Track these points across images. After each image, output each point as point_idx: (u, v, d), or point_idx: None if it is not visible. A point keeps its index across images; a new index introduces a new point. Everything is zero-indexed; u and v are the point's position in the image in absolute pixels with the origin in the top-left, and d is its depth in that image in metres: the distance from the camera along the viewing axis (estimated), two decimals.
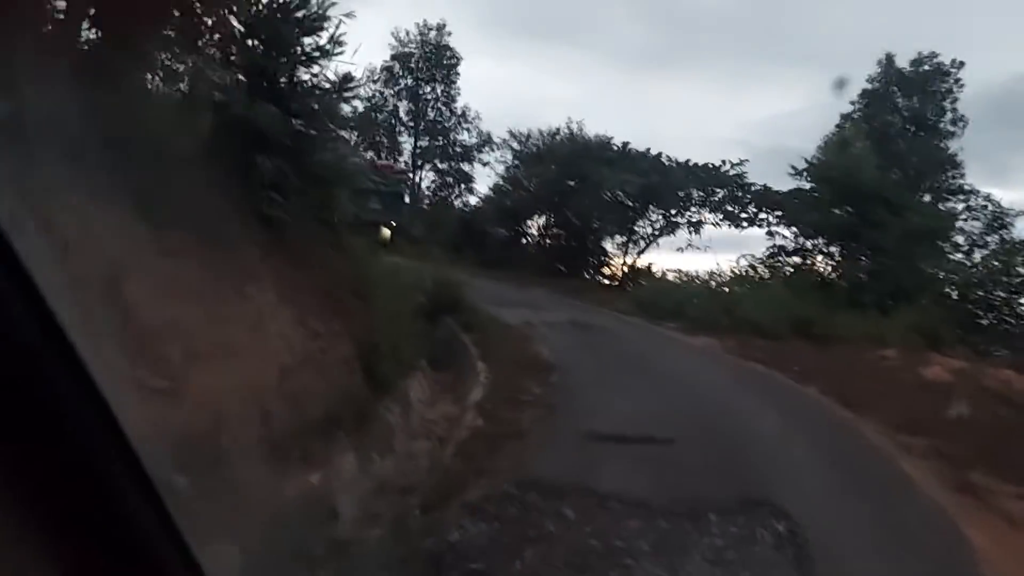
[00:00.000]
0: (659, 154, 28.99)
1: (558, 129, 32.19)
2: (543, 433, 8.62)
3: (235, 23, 10.31)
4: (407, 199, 39.77)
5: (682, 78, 51.47)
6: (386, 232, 18.32)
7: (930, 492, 7.49)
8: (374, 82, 41.25)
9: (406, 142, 41.36)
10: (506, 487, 6.57)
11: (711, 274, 25.22)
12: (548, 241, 32.51)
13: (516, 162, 34.29)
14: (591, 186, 27.87)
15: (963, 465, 8.18)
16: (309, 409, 7.89)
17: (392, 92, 41.29)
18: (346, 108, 11.41)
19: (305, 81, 11.12)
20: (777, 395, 11.62)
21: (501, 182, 34.49)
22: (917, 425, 9.84)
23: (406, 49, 41.05)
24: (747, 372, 13.57)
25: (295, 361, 8.29)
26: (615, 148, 29.47)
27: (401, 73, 41.23)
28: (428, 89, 41.32)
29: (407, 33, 40.86)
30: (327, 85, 11.15)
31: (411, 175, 39.63)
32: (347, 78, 11.25)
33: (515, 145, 34.80)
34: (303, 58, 11.03)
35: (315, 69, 11.17)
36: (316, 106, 11.16)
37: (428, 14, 47.74)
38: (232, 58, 10.27)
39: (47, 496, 0.78)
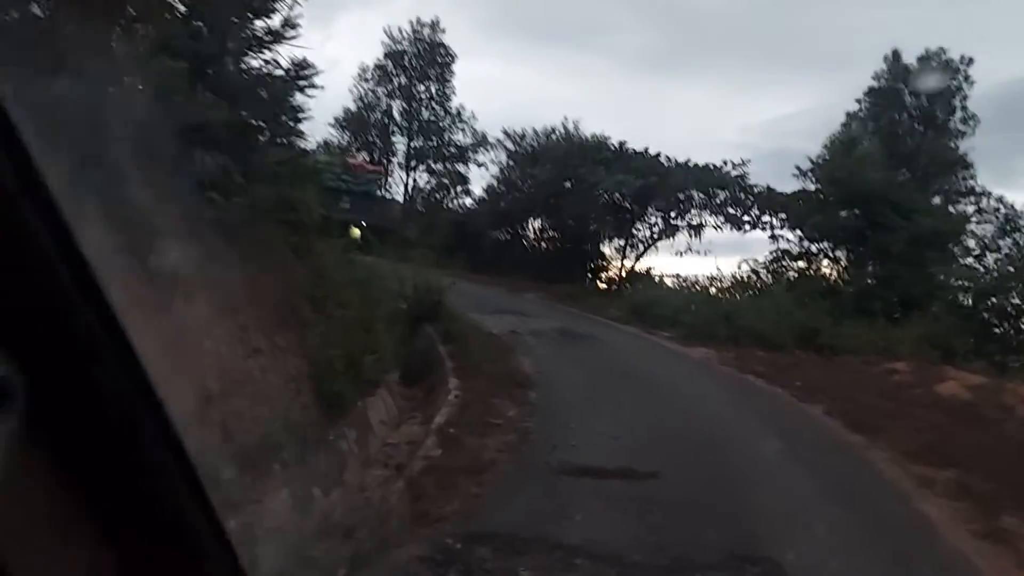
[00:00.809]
0: (657, 154, 27.93)
1: (553, 128, 31.17)
2: (509, 466, 7.55)
3: (175, 3, 9.32)
4: (398, 196, 39.09)
5: (685, 81, 50.57)
6: (356, 232, 17.45)
7: (955, 541, 6.39)
8: (367, 81, 40.41)
9: (400, 142, 40.37)
10: (450, 541, 5.49)
11: (711, 279, 24.17)
12: (543, 244, 31.47)
13: (511, 162, 33.25)
14: (586, 187, 26.79)
15: (991, 505, 7.08)
16: (238, 441, 6.86)
17: (385, 91, 40.33)
18: (302, 98, 10.36)
19: (255, 68, 10.12)
20: (778, 416, 10.53)
21: (495, 183, 33.49)
22: (934, 453, 8.74)
23: (399, 47, 40.10)
24: (746, 388, 12.48)
25: (225, 384, 7.25)
26: (612, 148, 28.37)
27: (394, 71, 40.25)
28: (422, 88, 40.34)
29: (400, 31, 39.95)
30: (279, 72, 10.16)
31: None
32: (302, 65, 10.24)
33: (509, 145, 33.78)
34: (253, 43, 10.02)
35: (267, 55, 10.21)
36: (266, 95, 10.16)
37: (429, 14, 46.72)
38: (172, 42, 9.18)
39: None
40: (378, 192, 27.92)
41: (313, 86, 10.15)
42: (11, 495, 0.63)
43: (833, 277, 22.95)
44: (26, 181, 0.63)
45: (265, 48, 9.91)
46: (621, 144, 28.29)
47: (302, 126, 10.89)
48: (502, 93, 52.22)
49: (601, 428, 9.03)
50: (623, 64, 49.44)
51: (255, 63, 9.91)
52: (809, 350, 16.40)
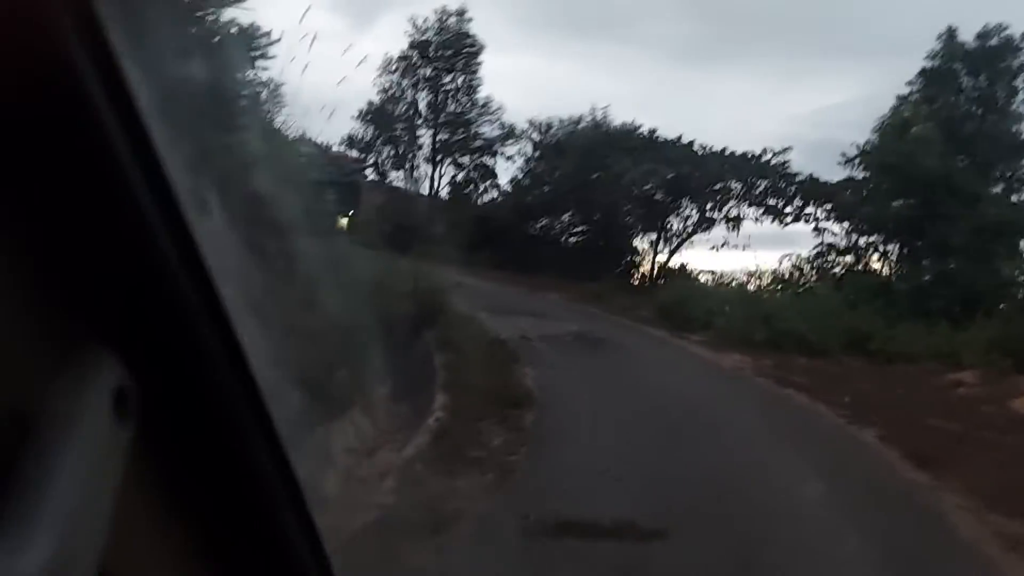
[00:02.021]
0: (691, 142, 26.02)
1: (580, 117, 29.39)
2: (474, 522, 5.96)
3: None
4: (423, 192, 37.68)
5: (728, 71, 48.20)
6: (343, 222, 16.32)
7: None
8: (392, 72, 39.02)
9: (425, 135, 38.91)
10: None
11: (749, 276, 22.27)
12: (571, 240, 29.78)
13: (537, 154, 31.56)
14: (614, 179, 25.04)
15: None
16: None
17: (410, 83, 38.89)
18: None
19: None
20: (822, 446, 8.77)
21: (520, 176, 31.85)
22: (1018, 495, 6.96)
23: (424, 37, 38.63)
24: (784, 407, 10.72)
25: None
26: (641, 136, 26.54)
27: (420, 62, 38.79)
28: (448, 79, 38.82)
29: (425, 20, 38.47)
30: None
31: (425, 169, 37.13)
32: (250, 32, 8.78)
33: (535, 136, 32.08)
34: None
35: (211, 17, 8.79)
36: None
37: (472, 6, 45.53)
38: None
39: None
40: (361, 184, 26.61)
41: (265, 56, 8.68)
42: (124, 507, 0.60)
43: (885, 273, 20.88)
44: (148, 172, 0.59)
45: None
46: (651, 132, 26.48)
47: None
48: (540, 88, 50.51)
49: (603, 463, 7.39)
50: (663, 55, 47.37)
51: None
52: (859, 357, 14.56)
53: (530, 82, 50.56)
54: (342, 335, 9.79)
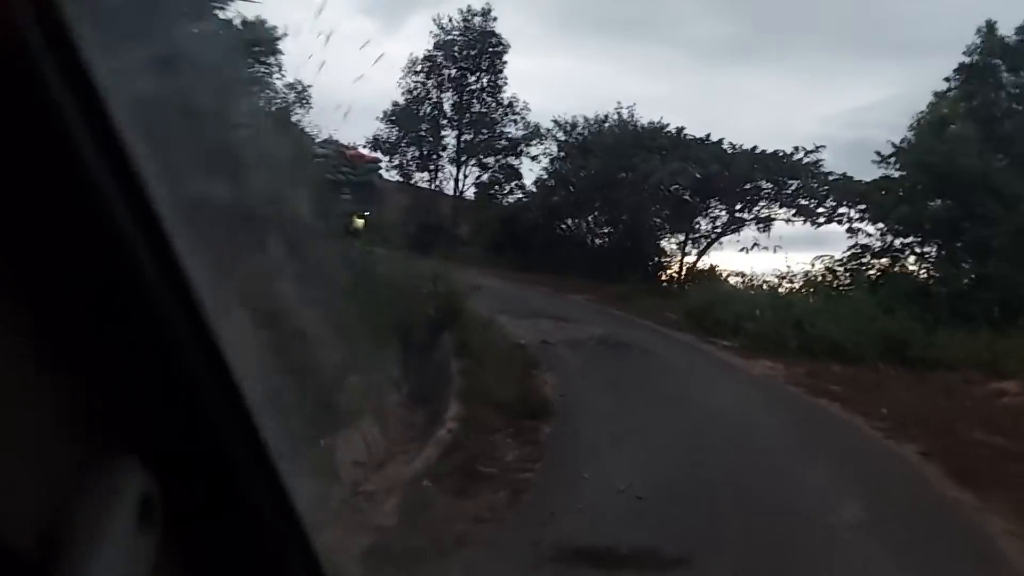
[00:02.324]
0: (719, 140, 25.37)
1: (606, 116, 28.84)
2: (481, 548, 5.53)
3: None
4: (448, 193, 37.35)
5: (761, 73, 47.40)
6: (359, 222, 16.15)
7: None
8: (416, 73, 38.74)
9: (450, 136, 38.60)
10: None
11: (780, 279, 21.61)
12: (597, 241, 29.27)
13: (562, 154, 31.07)
14: (640, 178, 24.49)
15: None
16: None
17: (435, 83, 38.58)
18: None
19: None
20: (858, 463, 8.22)
21: (545, 176, 31.39)
22: None
23: (449, 37, 38.33)
24: (817, 419, 10.17)
25: None
26: (669, 135, 25.94)
27: (444, 62, 38.49)
28: (473, 79, 38.48)
29: (450, 20, 38.17)
30: None
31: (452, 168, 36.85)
32: None
33: (560, 135, 31.60)
34: None
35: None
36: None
37: (497, 10, 45.22)
38: None
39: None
40: (377, 182, 26.39)
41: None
42: None
43: (922, 276, 20.13)
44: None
45: None
46: (679, 131, 25.82)
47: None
48: (572, 89, 50.05)
49: (622, 481, 6.93)
50: (696, 55, 46.69)
51: None
52: (896, 364, 13.90)
53: (562, 84, 50.22)
54: (355, 340, 9.45)
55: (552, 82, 48.70)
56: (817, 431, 9.38)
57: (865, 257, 21.43)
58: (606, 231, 28.91)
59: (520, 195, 34.74)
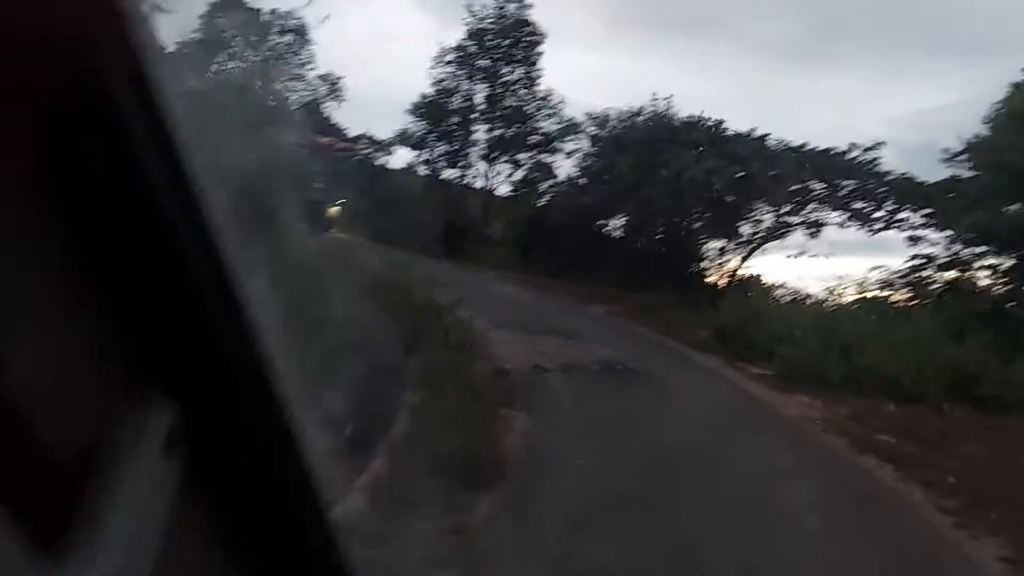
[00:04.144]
0: (762, 136, 22.75)
1: (640, 109, 26.35)
2: None
3: None
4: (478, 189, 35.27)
5: (823, 73, 44.55)
6: (334, 212, 15.24)
7: None
8: (447, 64, 36.72)
9: (481, 130, 36.47)
10: None
11: (829, 293, 18.96)
12: (629, 244, 26.83)
13: (594, 149, 28.71)
14: (674, 176, 22.05)
15: None
16: None
17: (465, 74, 36.48)
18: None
19: None
20: (921, 567, 5.82)
21: (577, 173, 29.10)
22: None
23: (481, 25, 36.20)
24: (863, 492, 7.72)
25: None
26: (706, 128, 23.38)
27: (476, 52, 36.37)
28: (506, 70, 36.28)
29: (483, 7, 36.03)
30: None
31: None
32: None
33: (593, 130, 29.23)
34: None
35: None
36: None
37: (546, 13, 43.28)
38: None
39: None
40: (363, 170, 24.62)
41: None
42: (172, 545, 0.65)
43: (997, 294, 17.29)
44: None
45: None
46: (717, 124, 23.25)
47: None
48: (628, 88, 47.84)
49: None
50: (754, 54, 44.05)
51: None
52: (964, 404, 11.36)
53: (619, 84, 48.07)
54: (290, 361, 7.33)
55: (607, 82, 46.71)
56: (863, 514, 6.94)
57: (928, 269, 18.68)
58: (639, 234, 26.47)
59: (551, 194, 32.51)
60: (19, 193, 0.53)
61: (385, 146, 37.39)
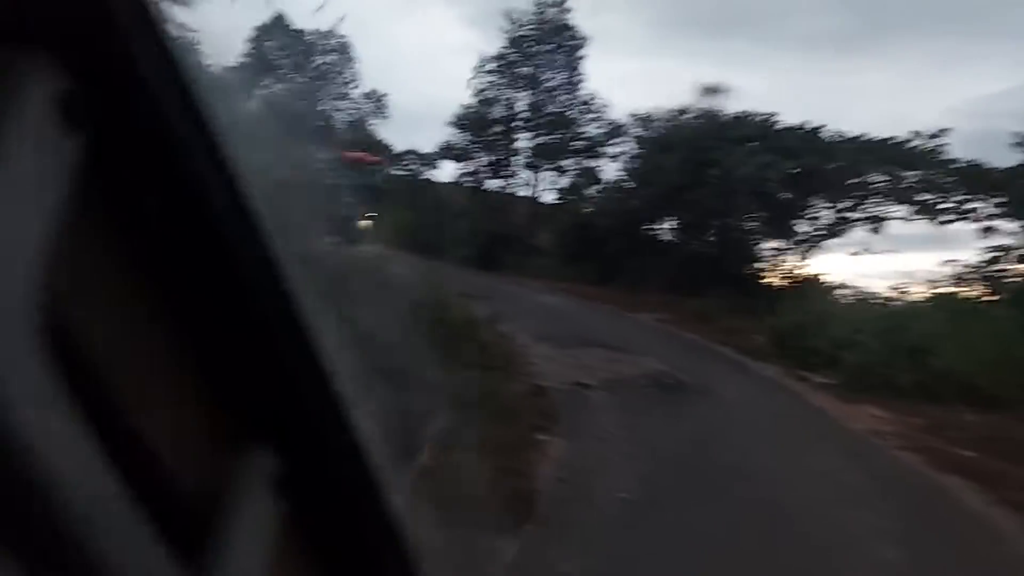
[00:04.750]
0: (816, 129, 21.62)
1: (686, 107, 25.40)
2: None
3: None
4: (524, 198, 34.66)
5: (876, 64, 43.14)
6: (366, 224, 15.01)
7: None
8: (488, 73, 36.23)
9: (524, 138, 35.86)
10: None
11: (895, 291, 17.76)
12: (679, 248, 25.85)
13: (640, 150, 27.84)
14: (724, 174, 21.07)
15: None
16: None
17: (507, 82, 35.92)
18: None
19: None
20: None
21: (623, 176, 28.26)
22: None
23: (521, 32, 35.63)
24: (946, 514, 6.79)
25: None
26: (756, 123, 22.34)
27: (516, 60, 35.79)
28: (547, 76, 35.63)
29: (522, 14, 35.45)
30: None
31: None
32: None
33: (638, 131, 28.37)
34: None
35: None
36: None
37: (589, 18, 42.66)
38: None
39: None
40: (382, 183, 24.26)
41: None
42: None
43: None
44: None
45: None
46: (768, 118, 22.20)
47: None
48: (675, 90, 47.00)
49: None
50: (803, 50, 42.89)
51: None
52: None
53: (666, 85, 47.31)
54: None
55: (652, 85, 46.08)
56: (949, 551, 6.01)
57: (1004, 262, 17.38)
58: (688, 237, 25.48)
59: (597, 199, 31.68)
60: (125, 262, 0.55)
61: (430, 160, 37.28)
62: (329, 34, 40.49)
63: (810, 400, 11.17)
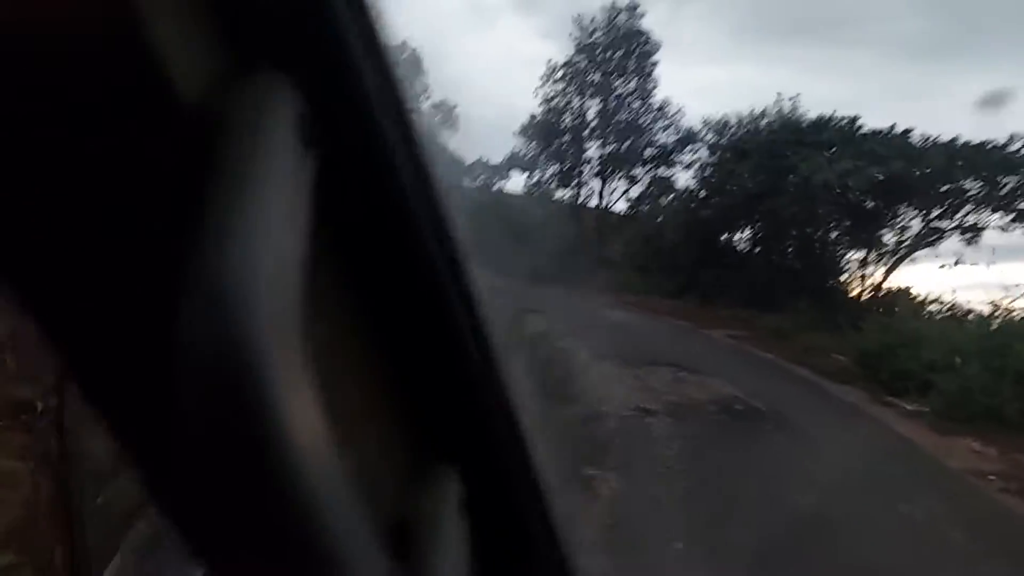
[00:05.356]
0: (905, 132, 20.17)
1: (763, 112, 24.21)
2: None
3: None
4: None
5: (963, 70, 40.70)
6: None
7: None
8: (556, 81, 35.54)
9: (593, 147, 35.03)
10: None
11: (996, 306, 16.25)
12: (756, 260, 24.62)
13: (713, 159, 26.71)
14: (803, 182, 19.84)
15: None
16: None
17: (576, 90, 35.14)
18: None
19: None
20: None
21: (696, 186, 27.18)
22: None
23: (591, 39, 34.84)
24: None
25: None
26: (838, 127, 21.01)
27: (586, 67, 35.00)
28: (618, 83, 34.71)
29: (592, 20, 34.68)
30: None
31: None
32: None
33: (712, 138, 27.25)
34: None
35: None
36: None
37: (663, 24, 41.71)
38: None
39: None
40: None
41: None
42: None
43: None
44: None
45: None
46: (852, 121, 20.83)
47: None
48: (752, 99, 45.69)
49: None
50: (887, 55, 40.83)
51: None
52: None
53: (743, 91, 46.08)
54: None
55: (729, 92, 44.74)
56: None
57: None
58: (766, 248, 24.24)
59: (669, 209, 30.61)
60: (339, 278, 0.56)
61: (500, 170, 36.80)
62: (400, 47, 40.62)
63: (898, 430, 10.01)
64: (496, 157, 36.66)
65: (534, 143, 35.22)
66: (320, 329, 0.50)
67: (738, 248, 25.48)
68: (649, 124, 34.40)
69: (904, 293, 21.98)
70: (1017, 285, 16.27)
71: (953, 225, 21.18)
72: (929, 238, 21.70)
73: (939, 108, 40.14)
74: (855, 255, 22.88)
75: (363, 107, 0.51)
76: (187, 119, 0.41)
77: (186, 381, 0.38)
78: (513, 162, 36.23)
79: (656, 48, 34.13)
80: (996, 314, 15.32)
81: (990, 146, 19.94)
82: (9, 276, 0.42)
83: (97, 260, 0.42)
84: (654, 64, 34.36)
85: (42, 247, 0.41)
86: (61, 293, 0.43)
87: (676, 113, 33.38)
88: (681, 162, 32.17)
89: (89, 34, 0.38)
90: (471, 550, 0.73)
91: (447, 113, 41.56)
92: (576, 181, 35.11)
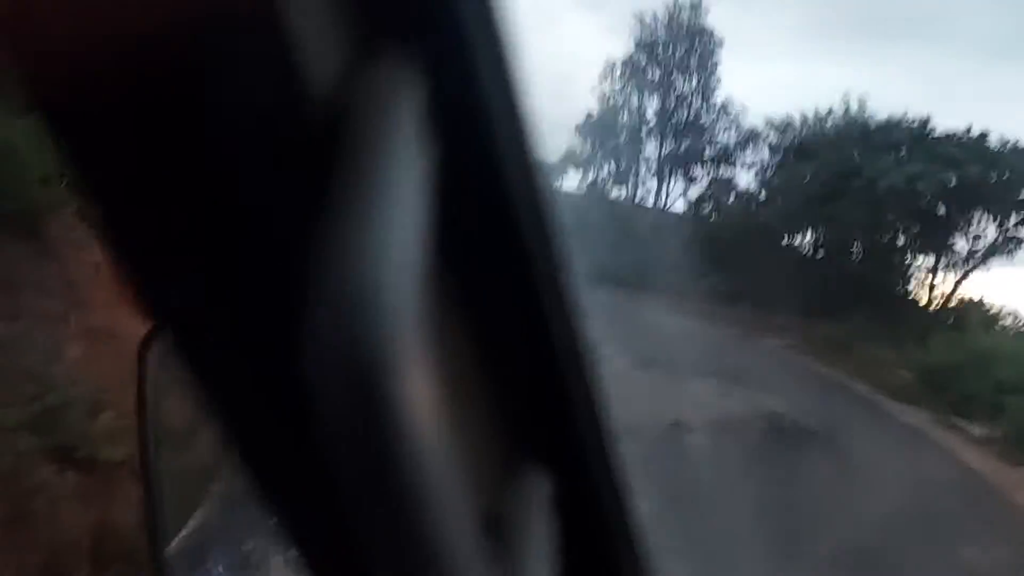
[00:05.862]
0: (982, 135, 18.97)
1: (828, 111, 23.15)
2: None
3: None
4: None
5: None
6: None
7: None
8: (616, 79, 34.83)
9: (651, 146, 34.23)
10: None
11: None
12: (818, 266, 23.61)
13: (775, 159, 25.72)
14: (869, 185, 18.86)
15: None
16: None
17: (635, 88, 34.38)
18: None
19: None
20: None
21: (756, 187, 26.24)
22: None
23: (653, 37, 34.03)
24: None
25: None
26: (908, 128, 19.90)
27: (646, 64, 34.20)
28: (679, 81, 33.84)
29: (653, 17, 33.86)
30: None
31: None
32: None
33: (774, 138, 26.23)
34: None
35: None
36: None
37: (729, 21, 40.78)
38: None
39: None
40: None
41: None
42: None
43: None
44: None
45: None
46: (922, 123, 19.71)
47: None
48: (823, 98, 44.58)
49: None
50: (962, 55, 39.03)
51: None
52: None
53: (812, 91, 44.81)
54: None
55: (797, 91, 43.45)
56: None
57: None
58: (828, 253, 23.22)
59: (729, 210, 29.71)
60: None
61: (556, 169, 36.28)
62: None
63: (964, 459, 9.17)
64: (552, 155, 36.15)
65: (591, 141, 34.59)
66: (435, 331, 0.48)
67: (798, 252, 24.50)
68: (710, 123, 33.52)
69: (976, 305, 20.81)
70: None
71: None
72: (1005, 247, 20.50)
73: (1019, 111, 38.16)
74: (923, 262, 21.76)
75: (481, 101, 0.50)
76: (317, 110, 0.40)
77: (315, 383, 0.38)
78: (569, 160, 35.67)
79: (719, 45, 33.22)
80: None
81: None
82: (142, 274, 0.42)
83: (229, 259, 0.43)
84: (716, 62, 33.45)
85: (175, 250, 0.42)
86: (195, 295, 0.43)
87: (738, 112, 32.43)
88: (742, 162, 31.23)
89: (225, 27, 0.37)
90: (557, 550, 0.71)
91: None
92: (633, 180, 34.39)
